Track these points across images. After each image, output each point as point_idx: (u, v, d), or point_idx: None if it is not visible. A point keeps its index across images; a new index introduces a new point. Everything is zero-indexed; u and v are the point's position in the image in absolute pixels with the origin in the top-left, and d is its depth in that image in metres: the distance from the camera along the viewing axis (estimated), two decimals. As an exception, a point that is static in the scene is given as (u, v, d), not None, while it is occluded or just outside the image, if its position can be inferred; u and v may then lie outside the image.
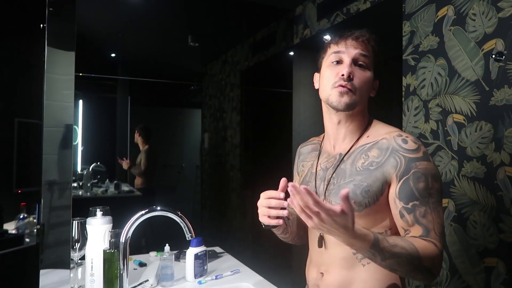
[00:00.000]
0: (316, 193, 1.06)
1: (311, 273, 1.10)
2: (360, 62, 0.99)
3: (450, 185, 1.77)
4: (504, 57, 1.54)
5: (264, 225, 1.01)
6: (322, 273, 1.05)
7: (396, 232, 0.98)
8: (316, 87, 1.09)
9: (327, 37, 2.83)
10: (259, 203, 0.98)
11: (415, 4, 1.98)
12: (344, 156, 1.03)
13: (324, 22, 2.76)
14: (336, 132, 1.06)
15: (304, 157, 1.20)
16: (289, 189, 0.76)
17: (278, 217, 0.96)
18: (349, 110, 1.01)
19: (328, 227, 0.77)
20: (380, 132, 1.02)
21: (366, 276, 0.98)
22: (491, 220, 1.60)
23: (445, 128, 1.80)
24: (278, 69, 3.61)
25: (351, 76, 0.98)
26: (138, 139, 4.32)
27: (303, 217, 0.77)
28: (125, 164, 4.26)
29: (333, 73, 1.00)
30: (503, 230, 1.55)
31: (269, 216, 0.96)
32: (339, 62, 1.00)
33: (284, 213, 0.94)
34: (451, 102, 1.78)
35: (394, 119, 2.95)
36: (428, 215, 0.91)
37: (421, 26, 1.94)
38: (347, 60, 0.99)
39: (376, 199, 0.96)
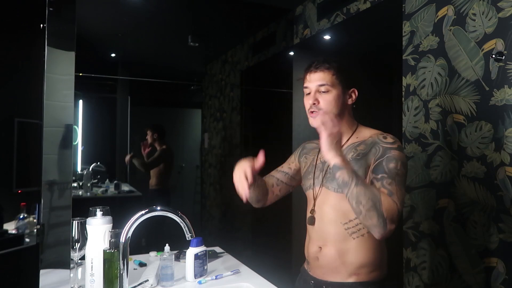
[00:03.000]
0: (314, 181, 1.32)
1: (311, 248, 1.29)
2: (322, 90, 1.24)
3: (450, 185, 1.77)
4: (504, 57, 1.54)
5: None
6: (320, 247, 1.26)
7: None
8: None
9: (327, 37, 2.83)
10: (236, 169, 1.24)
11: (415, 4, 1.98)
12: None
13: (324, 22, 2.76)
14: None
15: (307, 151, 1.43)
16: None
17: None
18: (321, 125, 1.23)
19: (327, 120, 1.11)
20: (366, 134, 1.28)
21: (357, 246, 1.21)
22: (491, 220, 1.60)
23: (445, 128, 1.80)
24: (278, 69, 3.61)
25: (316, 103, 1.24)
26: (153, 138, 4.16)
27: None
28: (127, 157, 4.18)
29: (306, 102, 1.27)
30: (503, 230, 1.56)
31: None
32: (308, 93, 1.27)
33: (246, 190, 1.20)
34: (451, 102, 1.78)
35: (394, 119, 2.95)
36: (393, 185, 1.13)
37: (421, 26, 1.94)
38: (312, 91, 1.26)
39: None
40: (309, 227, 1.32)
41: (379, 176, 1.15)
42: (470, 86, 1.69)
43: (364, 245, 1.21)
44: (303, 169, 1.41)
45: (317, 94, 1.25)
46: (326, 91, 1.24)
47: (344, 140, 1.30)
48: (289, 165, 1.46)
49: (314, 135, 1.40)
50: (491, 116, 1.60)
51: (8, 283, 1.77)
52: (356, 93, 1.28)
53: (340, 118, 1.26)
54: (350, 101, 1.28)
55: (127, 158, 4.20)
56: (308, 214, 1.31)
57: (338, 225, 1.23)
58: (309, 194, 1.34)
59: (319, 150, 1.32)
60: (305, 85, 1.28)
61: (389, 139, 1.22)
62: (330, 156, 1.10)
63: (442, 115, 1.82)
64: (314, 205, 1.30)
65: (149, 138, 4.15)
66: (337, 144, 1.12)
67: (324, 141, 1.10)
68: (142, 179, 4.35)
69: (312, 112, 1.25)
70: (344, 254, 1.22)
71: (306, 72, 1.28)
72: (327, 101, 1.24)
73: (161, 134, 4.16)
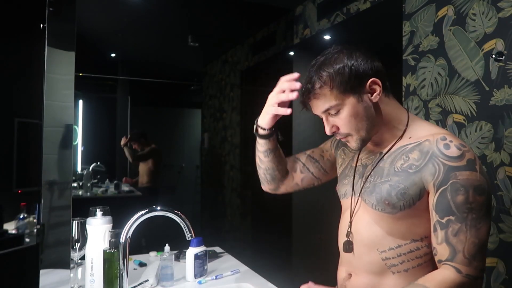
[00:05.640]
0: (353, 189, 1.04)
1: (340, 273, 1.07)
2: (331, 113, 0.94)
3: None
4: (504, 57, 1.54)
5: (261, 127, 1.07)
6: (350, 274, 1.03)
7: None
8: None
9: (327, 37, 2.83)
10: (271, 94, 1.03)
11: (415, 4, 1.98)
12: (385, 155, 0.98)
13: (324, 22, 2.76)
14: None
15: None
16: None
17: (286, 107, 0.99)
18: (364, 145, 0.98)
19: None
20: (423, 133, 0.95)
21: (395, 284, 0.94)
22: (491, 220, 1.60)
23: (445, 128, 1.80)
24: (278, 69, 3.61)
25: (335, 130, 0.96)
26: (139, 146, 4.28)
27: None
28: (123, 140, 4.25)
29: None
30: (503, 230, 1.56)
31: (278, 104, 1.00)
32: (321, 118, 0.98)
33: (294, 95, 0.96)
34: (451, 102, 1.78)
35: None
36: (461, 234, 0.85)
37: (421, 26, 1.94)
38: (322, 117, 0.97)
39: (412, 203, 0.91)
40: (341, 249, 1.07)
41: (444, 220, 0.86)
42: (470, 86, 1.69)
43: (406, 283, 0.92)
44: (340, 167, 1.14)
45: (329, 118, 0.96)
46: (337, 112, 0.93)
47: (390, 144, 0.98)
48: (322, 153, 1.19)
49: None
50: (491, 116, 1.60)
51: (9, 283, 1.77)
52: (378, 82, 0.93)
53: (372, 126, 0.95)
54: (375, 98, 0.93)
55: (123, 141, 4.25)
56: (344, 238, 1.03)
57: (373, 252, 0.96)
58: (345, 204, 1.07)
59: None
60: (313, 111, 1.00)
61: (453, 150, 0.87)
62: None
63: (442, 115, 1.82)
64: (350, 226, 1.02)
65: (136, 147, 4.28)
66: None
67: None
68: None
69: (341, 138, 0.99)
70: None
71: (304, 98, 0.98)
72: (344, 122, 0.93)
73: (144, 138, 4.27)
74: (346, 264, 1.05)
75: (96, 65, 4.40)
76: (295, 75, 0.98)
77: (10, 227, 1.95)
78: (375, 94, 0.94)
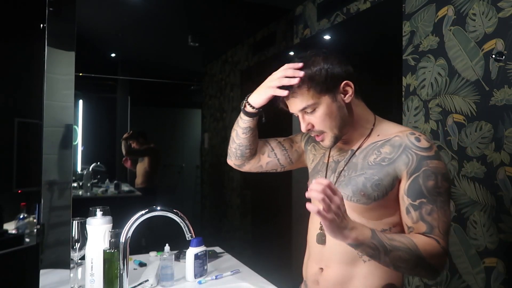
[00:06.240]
0: None
1: (310, 269, 1.11)
2: (307, 111, 1.01)
3: (450, 185, 1.77)
4: (504, 57, 1.54)
5: (251, 105, 1.11)
6: (321, 268, 1.07)
7: (400, 231, 1.01)
8: None
9: (327, 37, 2.83)
10: (274, 74, 1.05)
11: (415, 4, 1.98)
12: (356, 151, 1.06)
13: (324, 22, 2.76)
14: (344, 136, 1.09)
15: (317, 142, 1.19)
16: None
17: (287, 89, 1.01)
18: (337, 143, 1.05)
19: (334, 212, 0.81)
20: (391, 130, 1.04)
21: (366, 272, 1.01)
22: (491, 220, 1.60)
23: (445, 128, 1.80)
24: (278, 69, 3.61)
25: (310, 128, 1.03)
26: (135, 145, 4.26)
27: (313, 207, 0.80)
28: (125, 135, 4.25)
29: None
30: (503, 230, 1.56)
31: (278, 87, 1.02)
32: (297, 116, 1.06)
33: (295, 81, 0.99)
34: (451, 102, 1.78)
35: (394, 119, 2.94)
36: (434, 213, 0.94)
37: (421, 26, 1.94)
38: (298, 116, 1.04)
39: (385, 193, 0.98)
40: (311, 244, 1.12)
41: (417, 202, 0.94)
42: (470, 86, 1.69)
43: (376, 270, 1.00)
44: (311, 163, 1.20)
45: (305, 116, 1.03)
46: (313, 111, 1.01)
47: (359, 142, 1.07)
48: (291, 143, 1.26)
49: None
50: (491, 116, 1.60)
51: (8, 283, 1.77)
52: (351, 84, 1.02)
53: (345, 125, 1.03)
54: (348, 98, 1.02)
55: (125, 136, 4.23)
56: (317, 230, 1.08)
57: (345, 244, 0.96)
58: None
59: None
60: (290, 110, 1.07)
61: (424, 142, 0.97)
62: (340, 239, 0.85)
63: (442, 115, 1.82)
64: None
65: (135, 145, 4.26)
66: (343, 221, 0.84)
67: (327, 227, 0.83)
68: (142, 180, 4.36)
69: (315, 136, 1.06)
70: (350, 280, 1.01)
71: (283, 97, 1.05)
72: (319, 120, 1.01)
73: (143, 137, 4.25)
74: (316, 259, 1.09)
75: (96, 65, 4.40)
76: (300, 64, 1.02)
77: (10, 227, 1.95)
78: (347, 95, 1.02)
